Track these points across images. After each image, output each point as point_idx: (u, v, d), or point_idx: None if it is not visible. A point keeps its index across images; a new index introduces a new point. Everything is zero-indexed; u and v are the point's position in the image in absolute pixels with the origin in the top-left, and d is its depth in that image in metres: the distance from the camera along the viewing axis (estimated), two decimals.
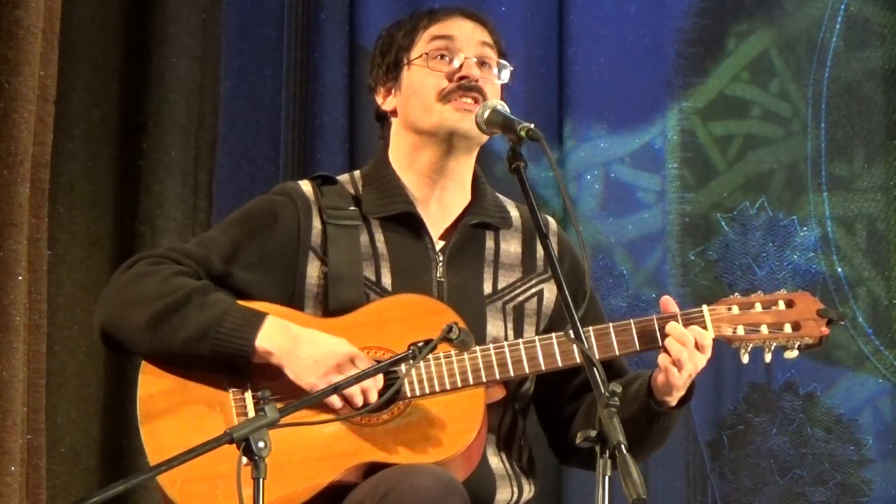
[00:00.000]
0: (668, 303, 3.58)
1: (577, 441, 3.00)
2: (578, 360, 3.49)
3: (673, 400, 3.56)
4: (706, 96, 5.76)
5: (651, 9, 5.72)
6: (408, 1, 5.48)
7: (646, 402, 3.56)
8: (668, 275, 5.70)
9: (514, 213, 3.79)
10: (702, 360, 3.52)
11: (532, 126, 3.40)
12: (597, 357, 3.36)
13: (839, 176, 5.72)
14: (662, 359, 3.52)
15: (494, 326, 3.65)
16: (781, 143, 5.75)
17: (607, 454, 2.97)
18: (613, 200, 5.73)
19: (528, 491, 3.69)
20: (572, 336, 3.21)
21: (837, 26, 5.73)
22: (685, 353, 3.50)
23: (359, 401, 3.47)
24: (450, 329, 3.35)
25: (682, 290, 5.67)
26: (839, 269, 5.68)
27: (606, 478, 2.98)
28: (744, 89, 5.79)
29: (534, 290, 3.73)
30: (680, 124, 5.73)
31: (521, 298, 3.71)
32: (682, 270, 5.70)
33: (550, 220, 3.84)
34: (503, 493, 3.63)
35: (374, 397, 3.47)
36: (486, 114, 3.56)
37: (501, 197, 3.81)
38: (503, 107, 3.58)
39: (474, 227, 3.71)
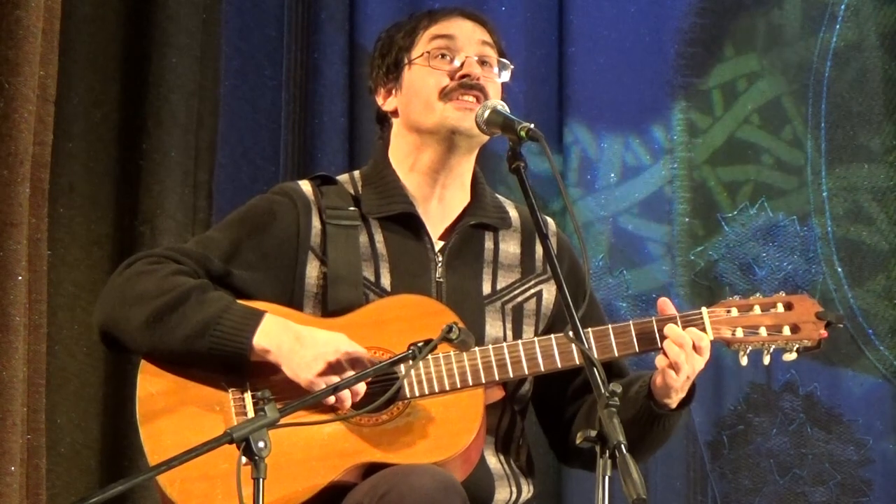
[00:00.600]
0: (666, 304, 3.58)
1: (577, 441, 3.00)
2: (577, 362, 3.50)
3: (673, 402, 3.56)
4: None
5: (651, 9, 5.72)
6: (408, 1, 5.47)
7: (646, 403, 3.56)
8: (668, 275, 5.70)
9: (513, 213, 3.79)
10: (699, 362, 3.52)
11: (532, 126, 3.41)
12: (596, 357, 3.37)
13: (839, 176, 5.72)
14: (660, 360, 3.52)
15: (493, 327, 3.65)
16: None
17: (607, 454, 2.97)
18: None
19: (527, 491, 3.69)
20: (572, 336, 3.21)
21: (837, 26, 5.73)
22: (682, 355, 3.50)
23: (347, 402, 3.47)
24: (450, 329, 3.35)
25: (682, 290, 5.67)
26: (839, 270, 5.68)
27: (606, 478, 2.98)
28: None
29: (533, 291, 3.73)
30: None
31: (519, 299, 3.71)
32: (682, 270, 5.70)
33: (550, 220, 3.84)
34: (502, 493, 3.63)
35: (361, 389, 3.46)
36: (486, 114, 3.56)
37: (501, 197, 3.81)
38: (503, 107, 3.58)
39: (473, 227, 3.71)
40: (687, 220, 5.72)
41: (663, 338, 3.53)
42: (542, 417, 3.82)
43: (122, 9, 5.11)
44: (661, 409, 3.56)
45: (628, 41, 5.71)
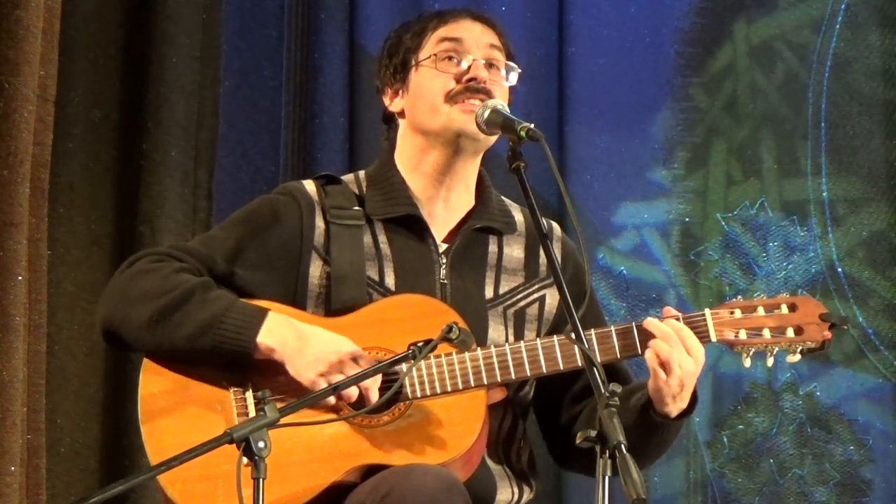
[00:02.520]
0: (670, 313, 3.57)
1: (577, 441, 3.00)
2: (580, 363, 3.49)
3: (671, 410, 3.53)
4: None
5: (651, 9, 5.72)
6: (408, 1, 5.47)
7: (645, 411, 3.54)
8: (668, 275, 5.70)
9: (518, 217, 3.78)
10: (688, 362, 3.48)
11: (532, 126, 3.41)
12: (598, 359, 3.37)
13: (839, 175, 5.72)
14: (650, 359, 3.50)
15: (495, 331, 3.65)
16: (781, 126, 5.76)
17: (607, 454, 2.97)
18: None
19: (529, 492, 3.69)
20: (572, 337, 3.21)
21: (837, 26, 5.73)
22: (669, 350, 3.46)
23: (353, 400, 3.47)
24: (450, 329, 3.35)
25: (682, 290, 5.67)
26: (839, 269, 5.68)
27: (606, 478, 2.98)
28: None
29: (536, 296, 3.73)
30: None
31: (522, 304, 3.71)
32: (682, 270, 5.70)
33: (555, 225, 3.84)
34: (503, 494, 3.63)
35: (375, 396, 3.47)
36: (486, 114, 3.56)
37: (507, 201, 3.80)
38: (503, 107, 3.59)
39: (478, 231, 3.71)
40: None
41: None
42: (542, 420, 3.81)
43: (122, 9, 5.11)
44: (660, 418, 3.53)
45: (628, 41, 5.71)
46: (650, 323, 3.52)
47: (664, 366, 3.48)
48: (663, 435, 3.57)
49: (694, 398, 3.56)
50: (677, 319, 3.53)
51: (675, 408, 3.53)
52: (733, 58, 5.77)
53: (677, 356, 3.48)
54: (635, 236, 5.74)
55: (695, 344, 3.50)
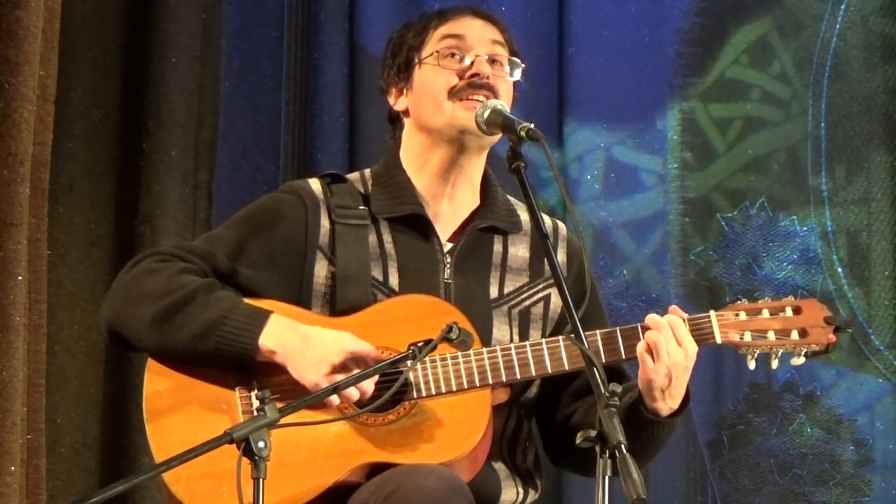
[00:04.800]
0: (676, 312, 3.56)
1: (578, 441, 2.99)
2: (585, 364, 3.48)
3: (661, 407, 3.51)
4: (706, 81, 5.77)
5: (651, 9, 5.72)
6: (408, 1, 5.47)
7: (635, 408, 3.52)
8: (668, 275, 5.70)
9: (524, 217, 3.77)
10: (677, 351, 3.46)
11: (532, 126, 3.40)
12: (603, 360, 3.37)
13: (840, 175, 5.72)
14: (639, 347, 3.49)
15: (500, 330, 3.65)
16: (781, 126, 5.75)
17: (607, 454, 2.97)
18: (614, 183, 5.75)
19: (534, 493, 3.68)
20: (572, 336, 3.21)
21: (838, 26, 5.73)
22: (660, 337, 3.46)
23: (354, 400, 3.46)
24: (450, 329, 3.35)
25: (682, 290, 5.67)
26: (839, 270, 5.68)
27: (606, 478, 2.98)
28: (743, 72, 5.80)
29: (541, 295, 3.72)
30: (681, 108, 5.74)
31: (527, 303, 3.70)
32: (682, 270, 5.70)
33: (560, 224, 3.83)
34: (508, 495, 3.62)
35: (370, 389, 3.46)
36: (486, 114, 3.56)
37: (513, 200, 3.79)
38: (503, 106, 3.58)
39: (483, 230, 3.70)
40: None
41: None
42: (538, 417, 3.80)
43: (122, 9, 5.11)
44: (650, 415, 3.51)
45: (628, 41, 5.71)
46: (650, 318, 3.52)
47: (651, 351, 3.46)
48: (654, 433, 3.55)
49: (686, 400, 3.55)
50: (684, 321, 3.52)
51: (664, 405, 3.51)
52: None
53: (665, 342, 3.45)
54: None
55: (686, 336, 3.48)
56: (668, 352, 3.46)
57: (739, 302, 3.59)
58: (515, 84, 3.75)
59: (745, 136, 5.76)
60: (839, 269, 5.69)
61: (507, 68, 3.73)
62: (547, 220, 3.76)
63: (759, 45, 5.76)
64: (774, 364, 3.57)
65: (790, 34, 5.76)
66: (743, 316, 3.56)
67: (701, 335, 3.52)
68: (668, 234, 5.72)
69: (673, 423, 3.56)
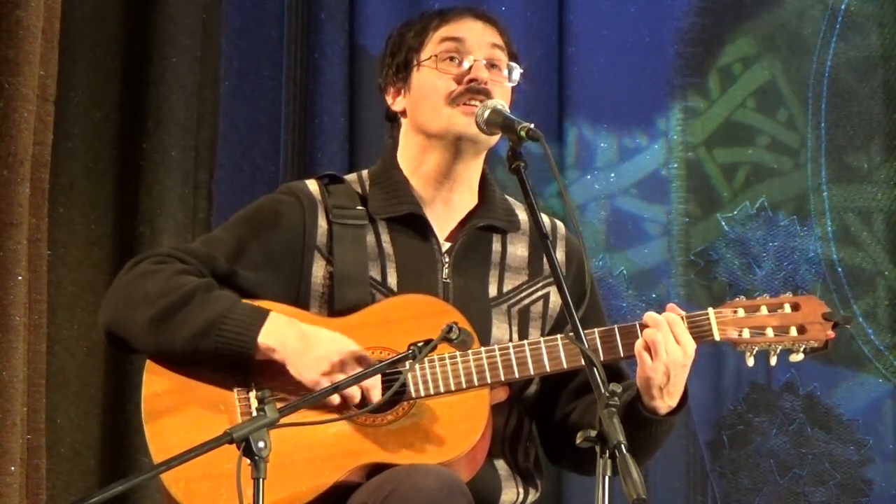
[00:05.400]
0: (674, 310, 3.56)
1: (578, 441, 2.99)
2: (584, 363, 3.48)
3: (660, 405, 3.50)
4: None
5: (651, 9, 5.72)
6: (408, 1, 5.47)
7: (633, 406, 3.51)
8: (669, 275, 5.70)
9: (522, 216, 3.76)
10: (675, 348, 3.45)
11: (532, 126, 3.40)
12: (601, 359, 3.37)
13: (839, 175, 5.72)
14: (637, 345, 3.47)
15: (499, 329, 3.64)
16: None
17: (607, 454, 2.97)
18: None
19: (534, 492, 3.68)
20: (572, 336, 3.21)
21: (837, 25, 5.73)
22: (658, 335, 3.45)
23: (356, 400, 3.46)
24: (450, 329, 3.35)
25: (682, 290, 5.67)
26: (839, 270, 5.68)
27: (606, 478, 2.98)
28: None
29: (540, 294, 3.72)
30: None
31: (526, 302, 3.70)
32: (682, 270, 5.70)
33: (559, 223, 3.83)
34: (508, 494, 3.62)
35: (377, 396, 3.46)
36: (486, 114, 3.55)
37: (511, 199, 3.79)
38: (503, 106, 3.57)
39: (481, 229, 3.70)
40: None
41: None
42: (536, 416, 3.80)
43: (122, 9, 5.11)
44: (648, 413, 3.50)
45: (628, 41, 5.71)
46: (648, 316, 3.52)
47: (650, 349, 3.45)
48: (652, 431, 3.54)
49: (684, 398, 3.54)
50: (682, 319, 3.52)
51: (662, 403, 3.50)
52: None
53: (663, 340, 3.44)
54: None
55: (684, 334, 3.48)
56: (667, 349, 3.46)
57: (738, 299, 3.59)
58: (514, 88, 3.74)
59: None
60: (839, 270, 5.69)
61: (506, 72, 3.72)
62: (546, 219, 3.76)
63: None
64: (773, 361, 3.57)
65: (790, 32, 5.77)
66: (741, 313, 3.56)
67: (699, 332, 3.52)
68: (670, 236, 5.72)
69: (671, 421, 3.56)
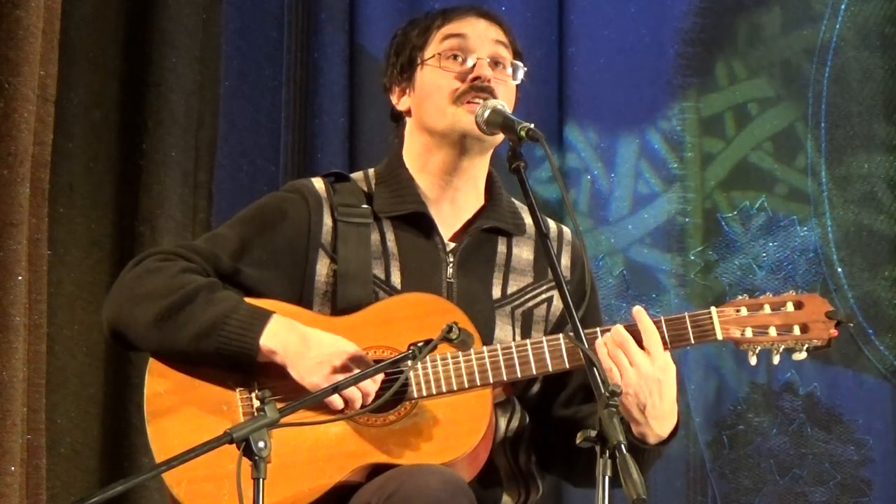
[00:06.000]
0: (640, 315, 3.49)
1: (577, 441, 2.99)
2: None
3: (648, 433, 3.45)
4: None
5: (651, 9, 5.72)
6: (408, 1, 5.47)
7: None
8: (669, 275, 5.70)
9: (528, 220, 3.75)
10: (644, 362, 3.40)
11: (532, 126, 3.40)
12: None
13: (839, 175, 5.72)
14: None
15: (503, 331, 3.64)
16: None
17: (607, 454, 2.97)
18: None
19: (535, 493, 3.68)
20: (572, 337, 3.20)
21: (837, 25, 5.73)
22: (617, 350, 3.41)
23: (357, 403, 3.46)
24: (450, 329, 3.35)
25: (682, 290, 5.67)
26: (839, 270, 5.68)
27: (606, 478, 2.97)
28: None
29: (544, 297, 3.71)
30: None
31: (530, 304, 3.70)
32: (682, 270, 5.70)
33: (566, 229, 3.82)
34: (510, 495, 3.62)
35: (372, 391, 3.46)
36: (487, 114, 3.55)
37: (517, 202, 3.78)
38: (503, 106, 3.58)
39: (486, 231, 3.69)
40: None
41: (669, 340, 3.49)
42: (531, 420, 3.78)
43: (122, 9, 5.11)
44: (637, 441, 3.44)
45: (628, 41, 5.71)
46: (637, 311, 3.50)
47: (620, 370, 3.41)
48: (639, 460, 3.25)
49: (675, 429, 3.49)
50: (683, 315, 3.50)
51: (649, 430, 3.45)
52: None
53: (623, 360, 3.40)
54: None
55: (648, 351, 3.41)
56: (632, 362, 3.41)
57: (740, 298, 3.58)
58: (518, 86, 3.74)
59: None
60: (839, 270, 5.69)
61: (510, 70, 3.72)
62: (552, 224, 3.76)
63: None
64: (776, 360, 3.56)
65: (791, 26, 5.76)
66: (744, 312, 3.55)
67: (702, 332, 3.50)
68: (670, 236, 5.72)
69: (659, 451, 3.52)
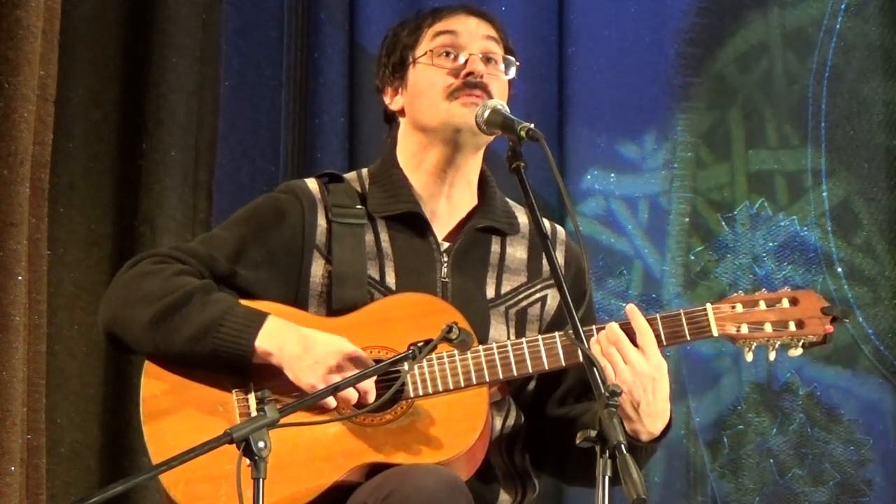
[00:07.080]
0: (633, 312, 3.52)
1: (577, 441, 2.99)
2: (581, 359, 3.46)
3: (641, 430, 3.45)
4: None
5: (651, 9, 5.72)
6: (408, 1, 5.47)
7: None
8: (668, 275, 5.70)
9: (522, 219, 3.76)
10: (639, 360, 3.43)
11: (532, 126, 3.40)
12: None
13: (839, 176, 5.72)
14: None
15: (497, 330, 3.64)
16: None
17: (607, 454, 2.97)
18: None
19: (532, 491, 3.68)
20: (571, 336, 3.21)
21: (837, 25, 5.74)
22: (611, 348, 3.43)
23: (352, 402, 3.46)
24: (449, 329, 3.35)
25: (682, 290, 5.67)
26: (839, 270, 5.68)
27: (606, 478, 2.97)
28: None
29: (538, 296, 3.71)
30: None
31: (524, 303, 3.70)
32: (683, 270, 5.70)
33: (559, 228, 3.83)
34: (507, 494, 3.62)
35: (373, 398, 3.46)
36: (486, 114, 3.55)
37: (511, 202, 3.79)
38: (503, 106, 3.58)
39: (480, 230, 3.69)
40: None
41: (664, 338, 3.50)
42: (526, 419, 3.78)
43: (122, 9, 5.11)
44: (630, 438, 3.42)
45: (628, 41, 5.71)
46: (631, 310, 3.50)
47: (613, 367, 3.42)
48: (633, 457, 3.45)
49: (668, 427, 3.49)
50: (678, 313, 3.50)
51: (642, 427, 3.45)
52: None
53: (617, 357, 3.42)
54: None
55: (643, 350, 3.43)
56: (626, 359, 3.43)
57: (736, 294, 3.58)
58: (511, 81, 3.74)
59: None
60: (839, 270, 5.69)
61: (502, 66, 3.72)
62: (546, 223, 3.76)
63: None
64: (772, 356, 3.56)
65: (790, 36, 5.77)
66: (739, 308, 3.55)
67: (697, 328, 3.51)
68: (669, 235, 5.72)
69: (652, 448, 3.52)
